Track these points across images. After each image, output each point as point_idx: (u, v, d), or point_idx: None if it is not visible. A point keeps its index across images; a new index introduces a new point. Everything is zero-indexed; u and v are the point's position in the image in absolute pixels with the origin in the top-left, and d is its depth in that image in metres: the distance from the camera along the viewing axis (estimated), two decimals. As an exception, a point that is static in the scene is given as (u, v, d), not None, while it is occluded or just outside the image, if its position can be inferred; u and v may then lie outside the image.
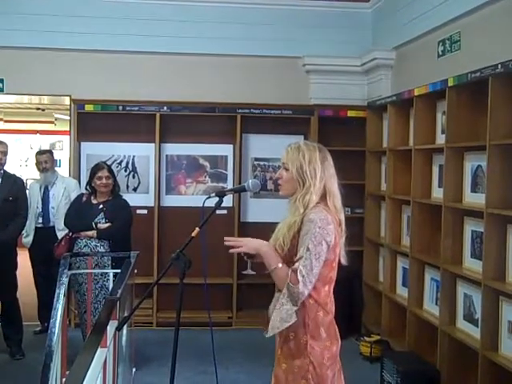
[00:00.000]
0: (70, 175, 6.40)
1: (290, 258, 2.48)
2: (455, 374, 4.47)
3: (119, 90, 6.29)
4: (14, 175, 5.40)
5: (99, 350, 2.56)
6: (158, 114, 6.26)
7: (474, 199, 4.38)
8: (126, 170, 6.46)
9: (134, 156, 6.46)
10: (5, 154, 5.30)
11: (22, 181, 5.47)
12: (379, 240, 6.01)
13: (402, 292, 5.44)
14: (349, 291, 5.86)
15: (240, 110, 6.34)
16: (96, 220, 4.83)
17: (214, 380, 2.84)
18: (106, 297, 4.47)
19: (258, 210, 6.46)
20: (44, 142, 12.42)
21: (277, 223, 2.63)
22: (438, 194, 4.90)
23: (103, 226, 4.82)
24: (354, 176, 6.06)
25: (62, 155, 10.73)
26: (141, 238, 5.68)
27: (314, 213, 2.47)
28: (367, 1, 6.51)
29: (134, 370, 4.74)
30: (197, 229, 2.57)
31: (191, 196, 6.51)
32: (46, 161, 5.90)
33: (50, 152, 6.17)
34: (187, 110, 6.32)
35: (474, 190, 4.41)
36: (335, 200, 2.56)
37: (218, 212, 2.65)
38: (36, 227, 5.81)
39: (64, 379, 3.56)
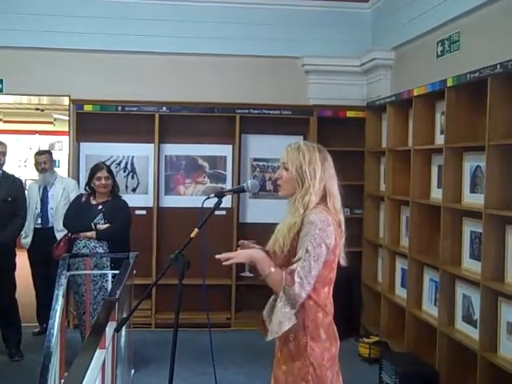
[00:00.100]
0: (69, 176, 6.38)
1: (289, 260, 2.47)
2: (454, 374, 4.47)
3: (118, 91, 6.28)
4: (12, 176, 5.39)
5: (98, 351, 2.55)
6: (157, 115, 6.26)
7: (472, 200, 4.37)
8: (125, 171, 6.45)
9: (133, 156, 6.46)
10: (4, 154, 5.29)
11: (20, 181, 5.47)
12: (378, 241, 6.01)
13: (401, 293, 5.43)
14: (347, 292, 5.84)
15: (239, 111, 6.34)
16: (95, 221, 4.82)
17: (213, 381, 2.85)
18: (104, 298, 4.46)
19: (257, 211, 6.45)
20: (43, 143, 12.40)
21: (276, 224, 2.62)
22: (436, 194, 4.89)
23: (102, 226, 4.81)
24: (352, 176, 6.06)
25: (61, 156, 10.68)
26: (140, 239, 5.67)
27: (315, 214, 2.46)
28: (366, 1, 6.51)
29: (132, 371, 4.74)
30: (196, 229, 2.57)
31: (190, 197, 6.50)
32: (45, 161, 5.88)
33: (49, 152, 6.15)
34: (186, 111, 6.32)
35: (472, 190, 4.40)
36: (335, 201, 2.55)
37: (216, 213, 2.65)
38: (35, 228, 5.80)
39: (63, 380, 3.56)
